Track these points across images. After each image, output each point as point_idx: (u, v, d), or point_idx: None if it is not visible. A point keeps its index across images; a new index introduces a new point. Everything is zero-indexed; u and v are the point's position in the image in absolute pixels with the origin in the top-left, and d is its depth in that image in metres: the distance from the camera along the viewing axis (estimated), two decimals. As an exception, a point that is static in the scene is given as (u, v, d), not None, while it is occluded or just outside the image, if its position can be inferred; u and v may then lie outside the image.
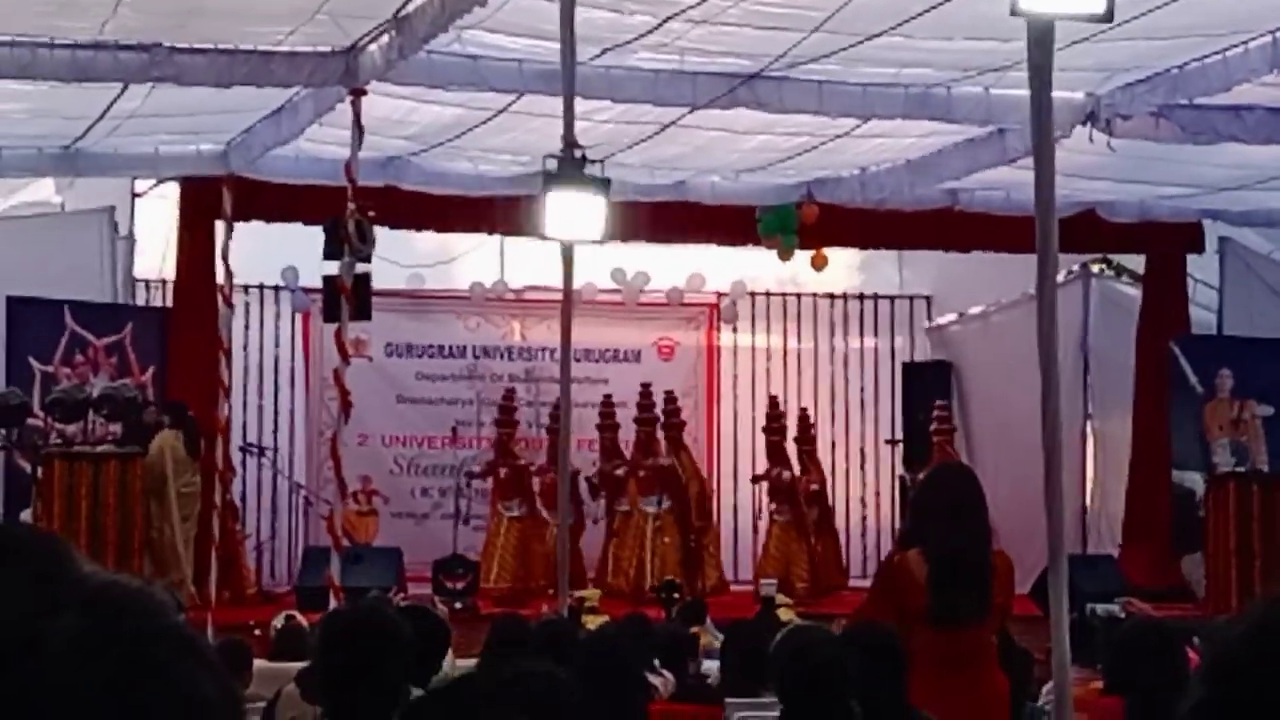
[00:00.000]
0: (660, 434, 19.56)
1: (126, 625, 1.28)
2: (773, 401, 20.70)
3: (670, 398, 19.88)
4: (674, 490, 19.30)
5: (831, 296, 22.32)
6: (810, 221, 18.51)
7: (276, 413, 20.68)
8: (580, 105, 10.96)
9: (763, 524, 20.30)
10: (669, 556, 18.90)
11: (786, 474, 19.80)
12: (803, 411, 20.75)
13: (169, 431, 16.39)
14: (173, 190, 18.30)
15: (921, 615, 7.19)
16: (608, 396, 20.07)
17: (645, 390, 19.86)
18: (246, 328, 20.07)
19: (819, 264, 19.98)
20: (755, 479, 20.49)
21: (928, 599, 7.21)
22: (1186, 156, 15.91)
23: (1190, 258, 19.89)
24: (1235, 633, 1.64)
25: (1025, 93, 7.29)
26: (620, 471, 19.45)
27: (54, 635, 1.25)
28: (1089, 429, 20.46)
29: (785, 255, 19.44)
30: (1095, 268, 20.49)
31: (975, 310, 21.62)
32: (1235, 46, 13.00)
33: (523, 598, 17.45)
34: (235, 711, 1.36)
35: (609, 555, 19.20)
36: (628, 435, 19.70)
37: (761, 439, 21.26)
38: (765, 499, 20.27)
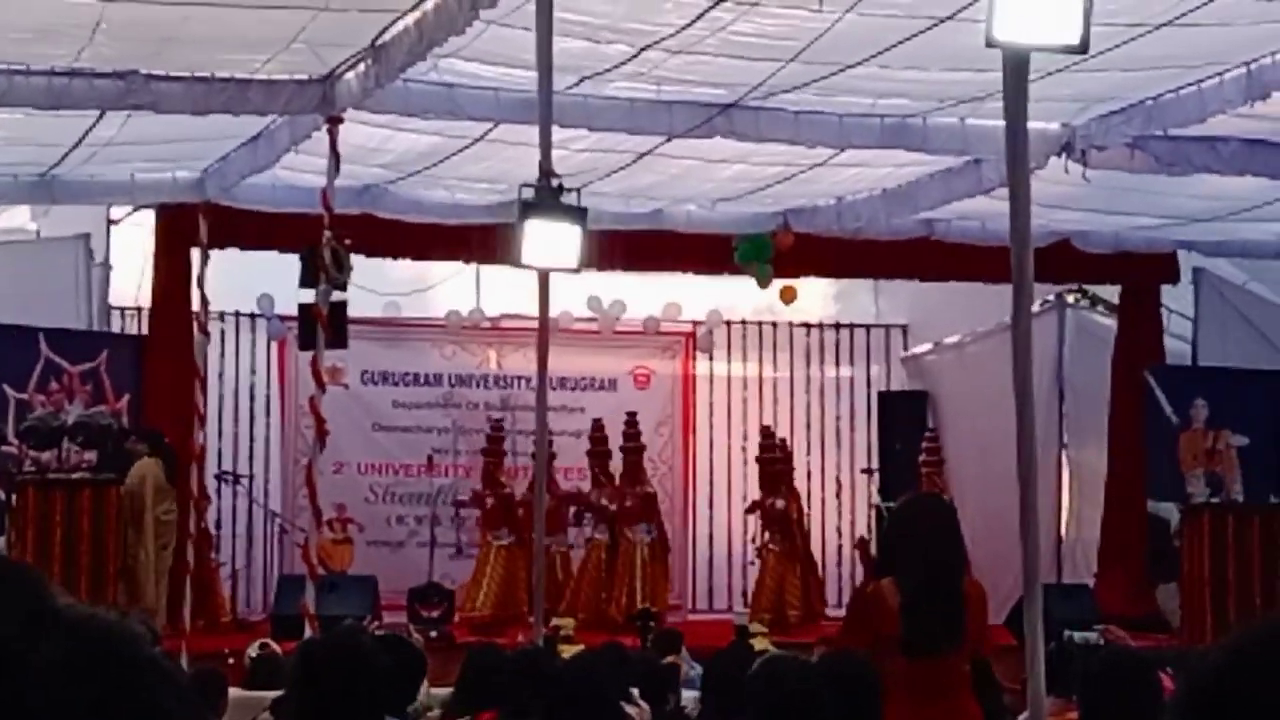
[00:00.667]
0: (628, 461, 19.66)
1: (109, 652, 1.29)
2: (765, 431, 20.74)
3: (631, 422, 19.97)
4: (657, 518, 19.40)
5: (808, 326, 22.36)
6: (786, 248, 18.53)
7: (252, 440, 20.64)
8: (557, 134, 10.98)
9: (739, 551, 20.30)
10: (660, 584, 19.02)
11: (780, 503, 19.83)
12: (781, 440, 20.77)
13: (149, 459, 16.34)
14: (148, 217, 18.27)
15: (895, 644, 7.20)
16: (598, 421, 20.06)
17: (630, 419, 19.89)
18: (222, 355, 20.02)
19: (788, 298, 20.02)
20: (749, 509, 20.51)
21: (900, 628, 7.22)
22: (1161, 187, 15.96)
23: (1165, 288, 19.95)
24: (1210, 663, 1.64)
25: (1001, 123, 7.32)
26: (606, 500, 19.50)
27: (37, 659, 1.25)
28: (1064, 458, 20.49)
29: (763, 283, 19.47)
30: (1070, 298, 20.54)
31: (951, 340, 21.66)
32: (1210, 78, 13.05)
33: (504, 624, 17.43)
34: None
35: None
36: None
37: (737, 468, 21.36)
38: (754, 527, 20.31)
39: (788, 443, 20.78)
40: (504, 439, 19.85)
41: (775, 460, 20.14)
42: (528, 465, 19.47)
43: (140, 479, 16.17)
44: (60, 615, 1.30)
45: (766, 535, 19.94)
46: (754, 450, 20.96)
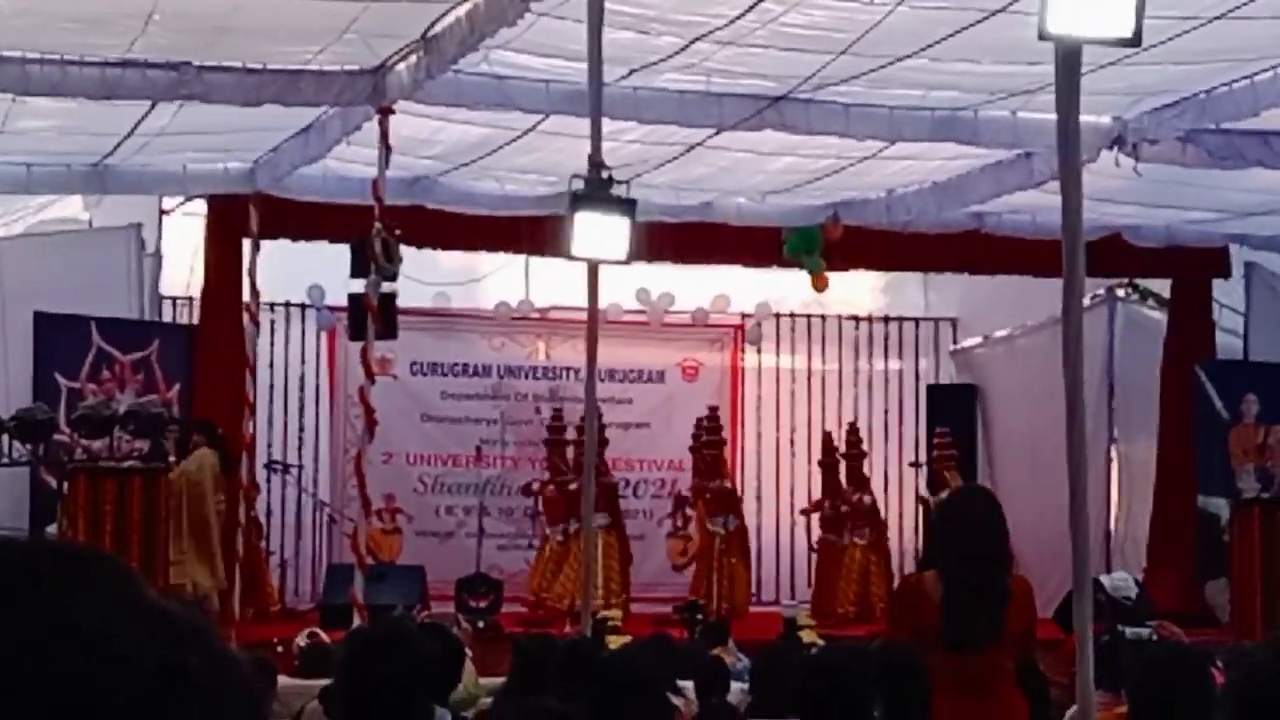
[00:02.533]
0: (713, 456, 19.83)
1: (238, 672, 1.30)
2: (827, 437, 20.77)
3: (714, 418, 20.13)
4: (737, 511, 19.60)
5: (856, 319, 22.33)
6: (835, 240, 18.51)
7: (301, 430, 20.71)
8: (607, 126, 10.99)
9: (786, 543, 20.36)
10: (738, 576, 19.11)
11: (845, 508, 19.92)
12: (852, 426, 20.79)
13: (208, 449, 16.40)
14: (200, 208, 18.36)
15: (935, 636, 7.20)
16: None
17: (713, 413, 20.07)
18: (272, 345, 20.09)
19: (820, 286, 19.96)
20: (805, 511, 20.58)
21: (941, 620, 7.22)
22: (1213, 181, 15.88)
23: (1216, 282, 19.85)
24: (1260, 658, 1.64)
25: (1052, 116, 7.29)
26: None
27: (194, 670, 1.25)
28: (1114, 453, 20.42)
29: (818, 283, 19.48)
30: (1121, 292, 20.47)
31: (1000, 333, 21.60)
32: (1264, 71, 12.99)
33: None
34: None
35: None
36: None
37: (785, 460, 21.34)
38: (807, 524, 20.42)
39: (859, 429, 20.88)
40: (565, 428, 19.80)
41: (835, 465, 20.28)
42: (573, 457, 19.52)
43: (200, 468, 16.22)
44: (187, 623, 1.31)
45: (822, 534, 20.10)
46: (802, 443, 21.02)
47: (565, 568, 18.68)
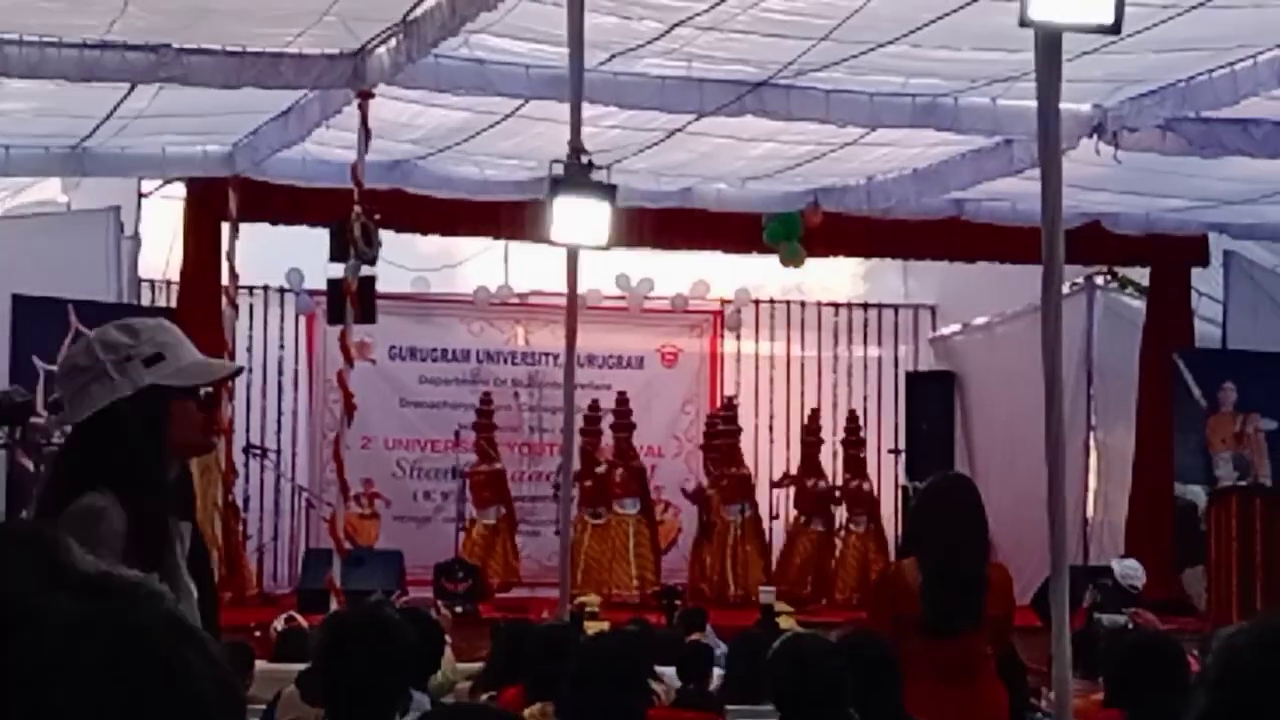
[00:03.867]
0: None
1: (124, 609, 1.29)
2: (814, 414, 20.83)
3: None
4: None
5: (836, 305, 22.34)
6: (814, 226, 18.52)
7: (280, 415, 20.69)
8: (587, 111, 10.96)
9: (771, 529, 20.43)
10: (753, 563, 19.29)
11: (823, 483, 20.03)
12: (727, 400, 20.86)
13: None
14: (179, 191, 18.31)
15: (915, 623, 7.22)
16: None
17: (728, 402, 20.47)
18: (251, 329, 20.06)
19: (797, 263, 19.88)
20: (777, 483, 20.61)
21: (920, 607, 7.24)
22: (1192, 169, 15.91)
23: (1195, 271, 19.89)
24: (1238, 644, 1.64)
25: (1032, 104, 7.30)
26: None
27: (52, 612, 1.25)
28: (1092, 440, 20.47)
29: (794, 262, 19.46)
30: (1100, 280, 20.50)
31: (979, 321, 21.63)
32: (1244, 60, 12.99)
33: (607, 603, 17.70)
34: (234, 703, 1.37)
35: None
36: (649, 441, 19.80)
37: (764, 446, 21.35)
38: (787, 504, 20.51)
39: (858, 416, 21.07)
40: (600, 418, 19.85)
41: (817, 443, 20.33)
42: (554, 442, 19.52)
43: (213, 459, 16.15)
44: (79, 572, 1.30)
45: (800, 514, 20.18)
46: (781, 429, 21.07)
47: (601, 556, 18.88)
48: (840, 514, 20.29)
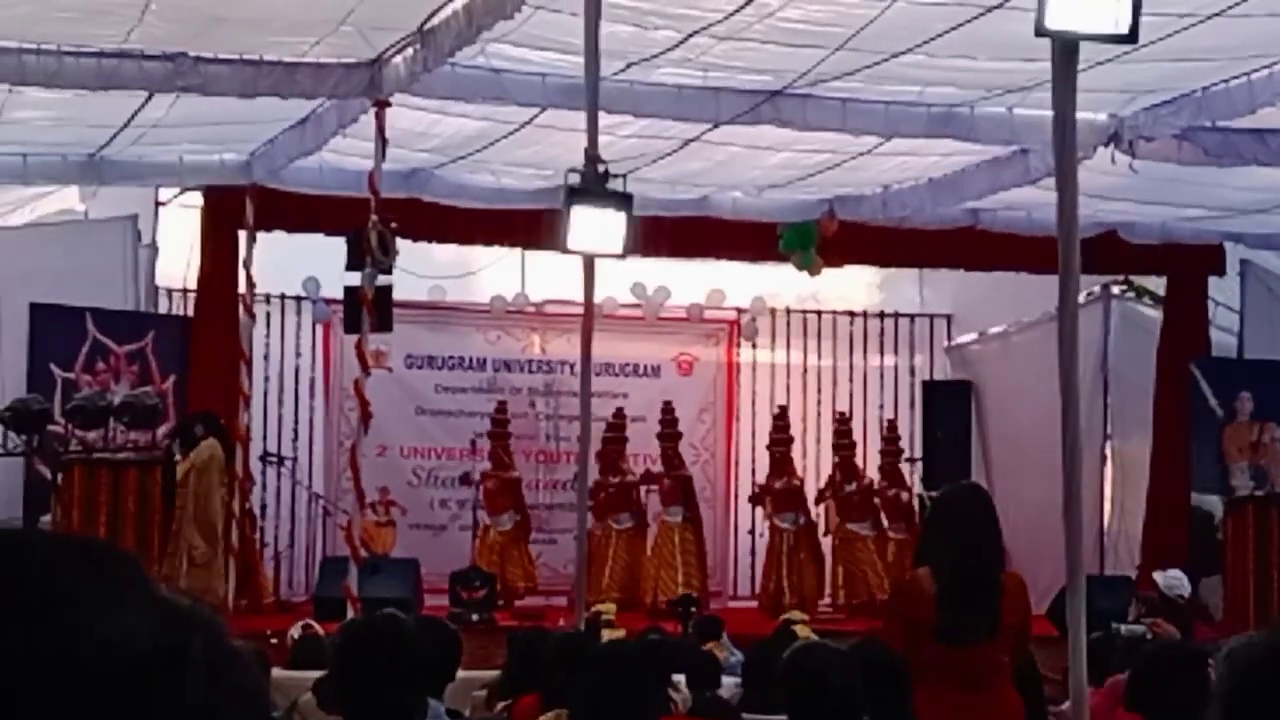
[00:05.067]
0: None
1: (229, 648, 1.31)
2: (842, 417, 20.92)
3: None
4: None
5: (852, 314, 22.34)
6: (830, 235, 18.52)
7: (296, 423, 20.71)
8: (603, 120, 10.98)
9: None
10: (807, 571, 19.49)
11: (796, 482, 20.07)
12: (781, 410, 20.85)
13: (213, 440, 16.37)
14: (196, 199, 18.35)
15: (930, 631, 7.22)
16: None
17: (781, 412, 20.51)
18: (268, 337, 20.09)
19: (815, 271, 19.85)
20: (753, 497, 20.63)
21: (935, 615, 7.24)
22: (1209, 179, 15.89)
23: (1211, 280, 19.87)
24: (1251, 657, 1.64)
25: (1048, 113, 7.31)
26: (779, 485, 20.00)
27: (193, 654, 1.26)
28: (1108, 450, 20.44)
29: (814, 270, 19.44)
30: (1116, 289, 20.47)
31: (995, 330, 21.61)
32: (1260, 70, 12.99)
33: (630, 608, 17.73)
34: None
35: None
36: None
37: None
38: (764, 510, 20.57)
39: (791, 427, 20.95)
40: (625, 425, 19.94)
41: (786, 443, 20.37)
42: (571, 450, 19.53)
43: (207, 460, 16.19)
44: (174, 604, 1.31)
45: (774, 514, 20.25)
46: (797, 438, 21.08)
47: (643, 561, 19.04)
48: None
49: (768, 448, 20.47)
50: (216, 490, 16.23)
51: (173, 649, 1.25)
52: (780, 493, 19.86)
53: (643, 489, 19.90)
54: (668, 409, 20.20)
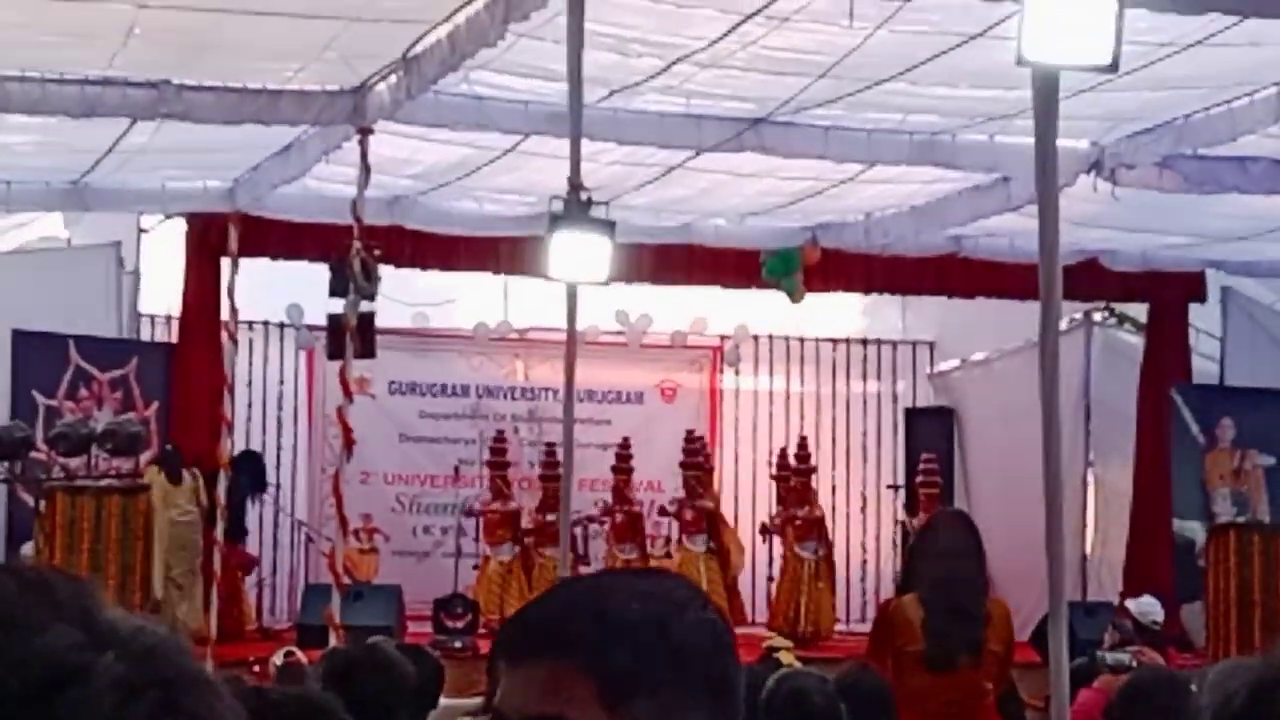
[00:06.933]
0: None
1: (162, 669, 1.31)
2: (800, 443, 20.85)
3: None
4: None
5: (834, 341, 22.36)
6: (813, 262, 18.55)
7: (279, 450, 20.68)
8: (586, 147, 10.99)
9: (763, 565, 20.39)
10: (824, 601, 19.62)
11: (818, 512, 20.16)
12: (802, 439, 20.80)
13: (151, 467, 16.51)
14: (179, 226, 18.33)
15: (916, 658, 7.24)
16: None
17: (803, 442, 20.49)
18: (251, 364, 20.06)
19: (798, 298, 19.89)
20: (765, 528, 20.56)
21: (922, 642, 7.26)
22: (1190, 206, 15.94)
23: (1193, 307, 19.92)
24: (1233, 686, 1.66)
25: (1030, 141, 7.33)
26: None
27: (99, 672, 1.27)
28: (1090, 476, 20.46)
29: (798, 297, 19.47)
30: (1098, 316, 20.52)
31: (978, 357, 21.65)
32: (1240, 98, 13.04)
33: None
34: None
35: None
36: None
37: (763, 482, 21.32)
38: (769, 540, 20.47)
39: (808, 443, 20.89)
40: (630, 456, 19.91)
41: (802, 474, 20.30)
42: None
43: (151, 490, 16.25)
44: (113, 628, 1.32)
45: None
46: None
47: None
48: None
49: (778, 477, 20.35)
50: (159, 514, 16.22)
51: (78, 669, 1.27)
52: (803, 522, 19.80)
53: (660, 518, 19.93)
54: (691, 438, 20.13)
